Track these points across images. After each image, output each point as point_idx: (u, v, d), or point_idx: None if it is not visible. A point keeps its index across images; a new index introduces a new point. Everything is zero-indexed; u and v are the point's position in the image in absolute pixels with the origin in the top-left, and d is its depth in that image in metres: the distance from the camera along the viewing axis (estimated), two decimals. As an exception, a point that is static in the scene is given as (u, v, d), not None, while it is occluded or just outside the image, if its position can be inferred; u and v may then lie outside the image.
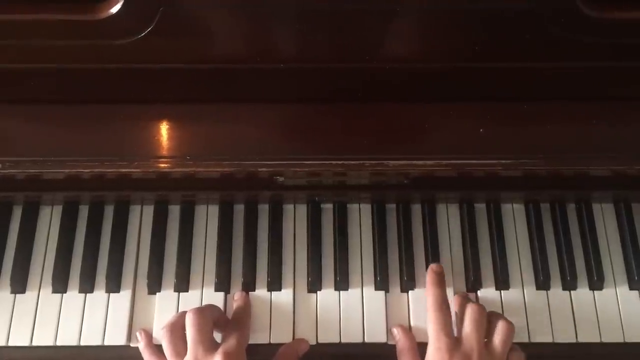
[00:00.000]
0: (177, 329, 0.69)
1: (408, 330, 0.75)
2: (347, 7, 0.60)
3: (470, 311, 0.70)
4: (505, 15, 0.61)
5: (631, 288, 0.78)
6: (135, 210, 0.81)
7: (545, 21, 0.60)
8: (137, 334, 0.74)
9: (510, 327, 0.69)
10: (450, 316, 0.70)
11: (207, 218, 0.81)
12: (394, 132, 0.67)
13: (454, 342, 0.68)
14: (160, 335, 0.70)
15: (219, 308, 0.74)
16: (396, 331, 0.74)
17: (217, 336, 0.71)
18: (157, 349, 0.72)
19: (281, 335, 0.75)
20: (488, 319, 0.70)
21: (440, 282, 0.73)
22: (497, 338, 0.69)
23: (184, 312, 0.69)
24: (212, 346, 0.67)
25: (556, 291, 0.78)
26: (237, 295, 0.76)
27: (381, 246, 0.79)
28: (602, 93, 0.68)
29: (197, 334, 0.66)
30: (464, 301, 0.73)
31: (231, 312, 0.75)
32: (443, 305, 0.70)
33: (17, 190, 0.78)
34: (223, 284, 0.77)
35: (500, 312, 0.76)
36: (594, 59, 0.64)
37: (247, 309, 0.75)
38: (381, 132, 0.67)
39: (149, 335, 0.74)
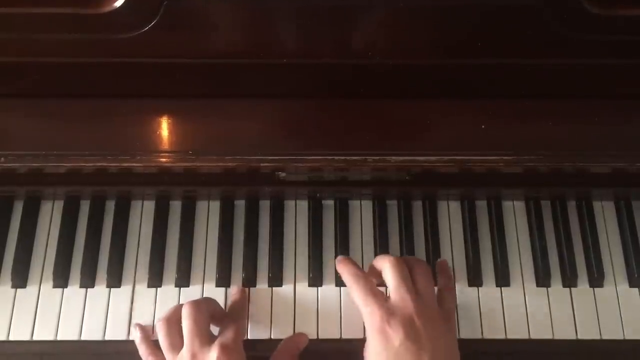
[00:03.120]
0: (173, 322, 0.69)
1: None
2: (349, 3, 0.60)
3: (389, 266, 0.68)
4: (507, 11, 0.61)
5: (631, 285, 0.78)
6: (136, 206, 0.81)
7: (548, 18, 0.61)
8: (132, 328, 0.74)
9: (427, 267, 0.70)
10: (372, 281, 0.69)
11: (208, 213, 0.81)
12: (396, 127, 0.68)
13: (385, 302, 0.66)
14: (156, 328, 0.70)
15: (215, 301, 0.73)
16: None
17: (215, 329, 0.71)
18: (154, 343, 0.72)
19: (282, 330, 0.75)
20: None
21: (348, 261, 0.72)
22: (421, 281, 0.68)
23: (181, 305, 0.69)
24: (208, 339, 0.67)
25: (556, 288, 0.78)
26: (234, 290, 0.76)
27: (382, 242, 0.79)
28: (604, 90, 0.68)
29: (193, 326, 0.66)
30: (380, 260, 0.71)
31: (231, 307, 0.75)
32: (359, 274, 0.69)
33: (18, 184, 0.78)
34: (224, 280, 0.77)
35: (501, 308, 0.77)
36: (596, 56, 0.65)
37: (244, 303, 0.75)
38: (383, 127, 0.67)
39: (144, 330, 0.74)
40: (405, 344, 0.62)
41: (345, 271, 0.71)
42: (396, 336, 0.63)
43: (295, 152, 0.67)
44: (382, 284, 0.70)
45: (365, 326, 0.67)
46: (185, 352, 0.66)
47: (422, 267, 0.70)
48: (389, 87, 0.68)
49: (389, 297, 0.67)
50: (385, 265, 0.68)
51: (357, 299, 0.67)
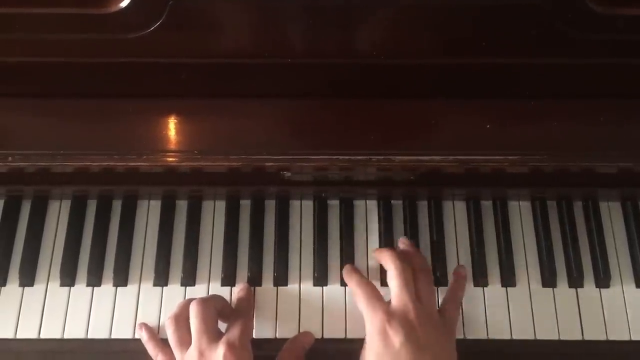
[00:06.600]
0: (181, 319, 0.70)
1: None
2: (354, 2, 0.60)
3: (394, 270, 0.70)
4: (511, 10, 0.61)
5: (637, 286, 0.78)
6: (142, 205, 0.81)
7: (553, 17, 0.60)
8: (137, 328, 0.75)
9: (430, 276, 0.73)
10: (375, 288, 0.71)
11: (214, 213, 0.81)
12: (401, 127, 0.68)
13: (387, 306, 0.68)
14: (165, 325, 0.70)
15: (223, 298, 0.74)
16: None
17: (222, 326, 0.71)
18: (161, 341, 0.73)
19: (287, 330, 0.75)
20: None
21: (355, 270, 0.75)
22: (423, 288, 0.70)
23: (189, 302, 0.70)
24: (216, 336, 0.67)
25: (562, 288, 0.78)
26: (239, 287, 0.77)
27: (387, 242, 0.79)
28: (609, 90, 0.68)
29: (201, 324, 0.67)
30: (385, 259, 0.73)
31: (236, 304, 0.75)
32: (364, 281, 0.73)
33: (26, 184, 0.78)
34: (229, 279, 0.77)
35: (506, 309, 0.76)
36: (601, 55, 0.64)
37: (250, 300, 0.75)
38: (388, 127, 0.67)
39: (150, 329, 0.74)
40: (405, 346, 0.64)
41: (352, 279, 0.74)
42: (396, 338, 0.65)
43: (301, 152, 0.67)
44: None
45: (366, 328, 0.68)
46: (193, 349, 0.66)
47: (426, 276, 0.72)
48: (393, 87, 0.68)
49: (390, 302, 0.69)
50: (390, 268, 0.71)
51: (360, 303, 0.70)
